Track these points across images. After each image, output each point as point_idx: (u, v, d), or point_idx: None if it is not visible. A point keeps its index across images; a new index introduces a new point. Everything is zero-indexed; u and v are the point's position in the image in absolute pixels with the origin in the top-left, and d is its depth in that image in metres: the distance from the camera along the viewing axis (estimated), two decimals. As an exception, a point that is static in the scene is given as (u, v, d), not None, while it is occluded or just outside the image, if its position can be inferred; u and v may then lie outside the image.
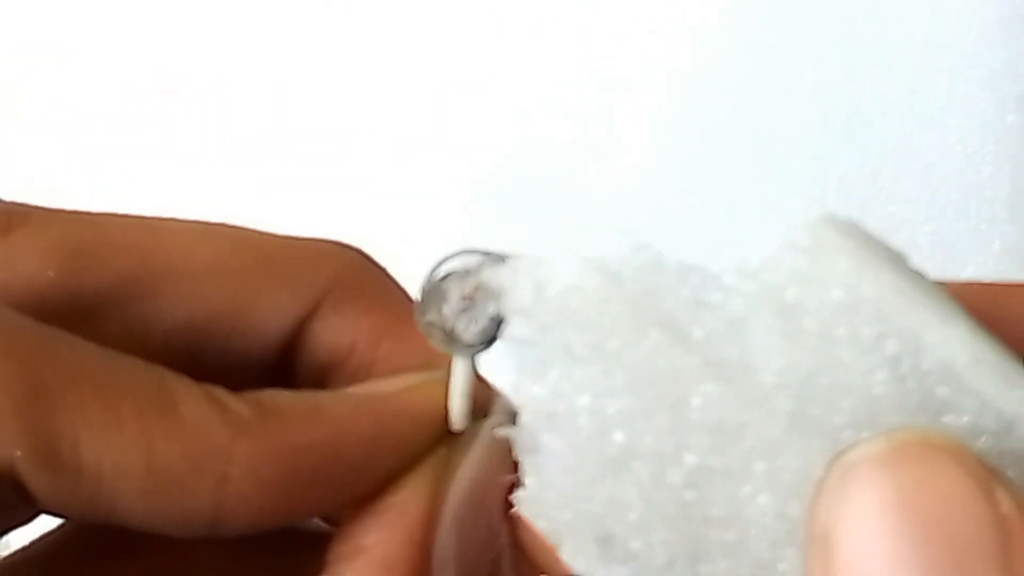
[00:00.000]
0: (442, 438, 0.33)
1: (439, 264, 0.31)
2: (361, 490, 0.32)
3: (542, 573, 0.33)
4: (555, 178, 0.72)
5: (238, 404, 0.30)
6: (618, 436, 0.28)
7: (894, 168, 0.73)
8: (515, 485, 0.32)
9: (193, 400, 0.30)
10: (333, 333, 0.34)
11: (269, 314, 0.34)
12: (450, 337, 0.31)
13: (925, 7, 0.72)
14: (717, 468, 0.28)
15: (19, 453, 0.29)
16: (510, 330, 0.29)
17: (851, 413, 0.27)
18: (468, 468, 0.32)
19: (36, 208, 0.33)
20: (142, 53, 0.77)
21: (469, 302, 0.31)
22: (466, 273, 0.30)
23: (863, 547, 0.25)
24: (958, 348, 0.26)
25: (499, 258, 0.30)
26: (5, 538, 0.33)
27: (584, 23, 0.75)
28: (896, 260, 0.27)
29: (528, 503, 0.30)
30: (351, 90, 0.75)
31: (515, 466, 0.32)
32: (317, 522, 0.37)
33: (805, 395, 0.27)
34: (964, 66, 0.72)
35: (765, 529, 0.27)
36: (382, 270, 0.35)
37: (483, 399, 0.33)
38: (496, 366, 0.33)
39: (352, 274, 0.35)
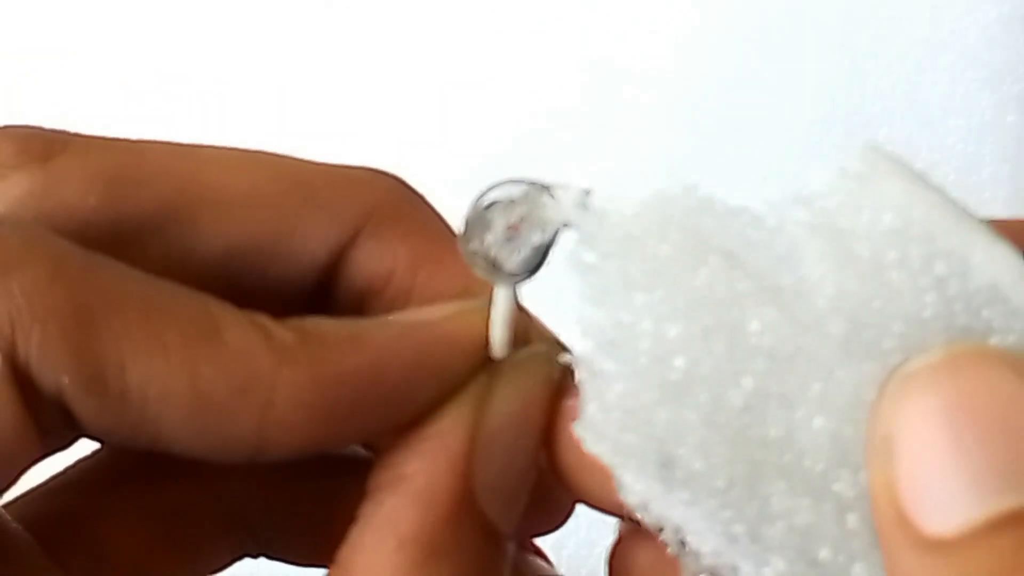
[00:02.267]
0: (483, 366, 0.33)
1: (484, 193, 0.31)
2: (402, 417, 0.32)
3: (581, 497, 0.33)
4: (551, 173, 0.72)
5: (282, 331, 0.30)
6: (678, 361, 0.28)
7: (894, 168, 0.73)
8: (555, 412, 0.32)
9: (237, 326, 0.30)
10: (372, 260, 0.34)
11: (308, 241, 0.34)
12: (493, 266, 0.31)
13: (925, 7, 0.73)
14: (774, 391, 0.28)
15: (66, 378, 0.29)
16: (576, 257, 0.30)
17: (901, 337, 0.27)
18: (509, 395, 0.32)
19: (76, 135, 0.33)
20: (142, 53, 0.77)
21: (513, 231, 0.30)
22: (511, 202, 0.30)
23: (925, 447, 0.25)
24: (1004, 267, 0.27)
25: (544, 187, 0.30)
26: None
27: (585, 22, 0.75)
28: (941, 191, 0.28)
29: (589, 427, 0.30)
30: (349, 87, 0.75)
31: (556, 393, 0.33)
32: (356, 449, 0.37)
33: (858, 319, 0.27)
34: (964, 66, 0.73)
35: (820, 451, 0.28)
36: (421, 198, 0.35)
37: (523, 328, 0.33)
38: (537, 297, 0.33)
39: (391, 201, 0.34)
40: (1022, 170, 0.73)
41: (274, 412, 0.30)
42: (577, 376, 0.30)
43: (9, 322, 0.28)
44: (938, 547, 0.25)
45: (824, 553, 0.28)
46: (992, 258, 0.27)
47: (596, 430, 0.30)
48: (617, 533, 0.35)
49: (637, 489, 0.30)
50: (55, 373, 0.29)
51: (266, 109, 0.75)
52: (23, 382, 0.29)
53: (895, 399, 0.26)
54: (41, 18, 0.78)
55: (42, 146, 0.32)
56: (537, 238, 0.31)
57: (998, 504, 0.24)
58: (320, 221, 0.34)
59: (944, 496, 0.25)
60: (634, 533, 0.34)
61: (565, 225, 0.30)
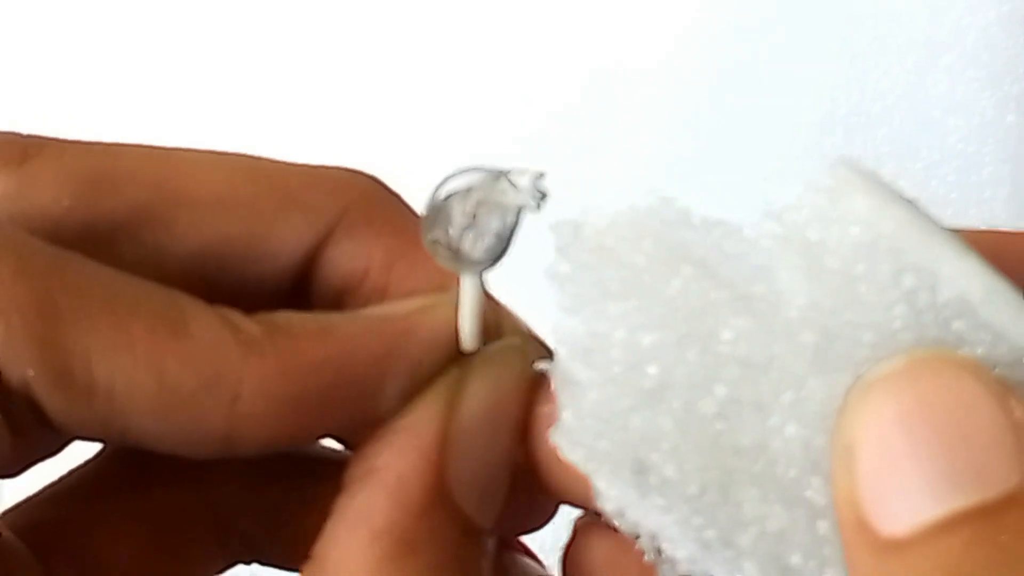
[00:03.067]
0: (454, 359, 0.32)
1: (442, 183, 0.31)
2: (373, 411, 0.32)
3: (558, 495, 0.33)
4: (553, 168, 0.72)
5: (249, 324, 0.30)
6: (652, 369, 0.29)
7: (894, 168, 0.73)
8: (531, 408, 0.32)
9: (204, 320, 0.30)
10: (347, 258, 0.34)
11: (283, 240, 0.34)
12: (455, 255, 0.31)
13: (925, 7, 0.73)
14: (746, 399, 0.28)
15: (32, 372, 0.29)
16: (552, 267, 0.30)
17: (872, 347, 0.27)
18: (481, 388, 0.32)
19: (51, 139, 0.33)
20: (122, 51, 0.77)
21: (473, 219, 0.30)
22: (468, 190, 0.30)
23: (884, 453, 0.25)
24: (972, 281, 0.27)
25: (500, 173, 0.30)
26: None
27: (584, 22, 0.75)
28: (911, 203, 0.28)
29: (564, 434, 0.30)
30: (346, 89, 0.75)
31: (531, 388, 0.32)
32: (346, 453, 0.37)
33: (829, 330, 0.27)
34: (964, 66, 0.73)
35: (792, 459, 0.28)
36: (396, 196, 0.35)
37: (494, 321, 0.33)
38: (509, 292, 0.34)
39: (366, 200, 0.34)
40: (1022, 170, 0.72)
41: (242, 404, 0.30)
42: (552, 384, 0.31)
43: None
44: (892, 548, 0.25)
45: (795, 559, 0.28)
46: (961, 272, 0.27)
47: (571, 437, 0.30)
48: (572, 529, 0.35)
49: (612, 495, 0.30)
50: (21, 367, 0.29)
51: (262, 113, 0.76)
52: None
53: (856, 407, 0.26)
54: (40, 15, 0.78)
55: (17, 150, 0.32)
56: (497, 224, 0.31)
57: (950, 504, 0.25)
58: (295, 221, 0.34)
59: (900, 498, 0.25)
60: (590, 528, 0.34)
61: (523, 209, 0.30)
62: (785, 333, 0.28)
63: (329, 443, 0.37)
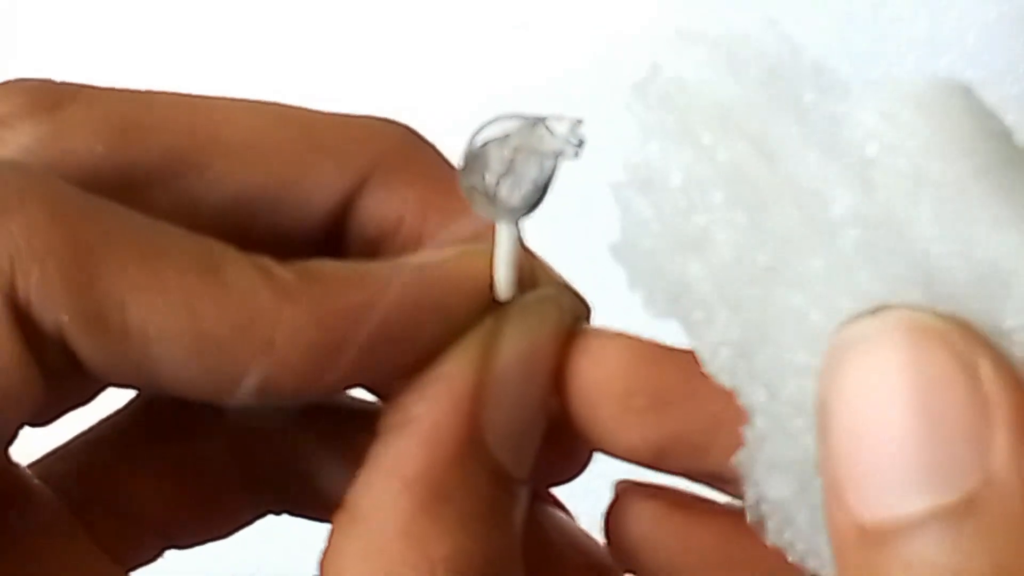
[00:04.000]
0: (489, 308, 0.32)
1: (479, 130, 0.31)
2: (407, 359, 0.32)
3: (592, 444, 0.33)
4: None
5: (283, 271, 0.30)
6: (699, 219, 0.29)
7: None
8: (565, 356, 0.33)
9: (238, 266, 0.30)
10: (381, 207, 0.34)
11: (316, 188, 0.34)
12: (492, 201, 0.31)
13: (925, 7, 0.73)
14: (781, 274, 0.28)
15: (66, 317, 0.29)
16: (628, 103, 0.29)
17: (905, 268, 0.27)
18: (516, 338, 0.32)
19: (84, 86, 0.33)
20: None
21: (510, 166, 0.31)
22: (506, 137, 0.30)
23: (855, 421, 0.25)
24: (1004, 250, 0.26)
25: (538, 120, 0.30)
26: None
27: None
28: (990, 140, 0.27)
29: (616, 251, 0.30)
30: (358, 32, 0.76)
31: (565, 338, 0.33)
32: (380, 405, 0.37)
33: (867, 240, 0.27)
34: (964, 66, 0.73)
35: (808, 340, 0.28)
36: (430, 146, 0.35)
37: (529, 271, 0.33)
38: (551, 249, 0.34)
39: (400, 149, 0.35)
40: (1022, 170, 0.73)
41: (275, 351, 0.30)
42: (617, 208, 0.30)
43: (8, 262, 0.28)
44: (867, 535, 0.25)
45: (799, 423, 0.29)
46: (995, 240, 0.26)
47: (621, 255, 0.30)
48: (615, 491, 0.34)
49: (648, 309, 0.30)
50: (55, 312, 0.29)
51: (294, 65, 0.76)
52: (23, 321, 0.29)
53: (831, 366, 0.26)
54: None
55: (51, 96, 0.33)
56: (534, 171, 0.31)
57: (918, 503, 0.24)
58: (328, 169, 0.34)
59: (870, 484, 0.25)
60: (631, 492, 0.34)
61: (560, 156, 0.30)
62: (825, 228, 0.28)
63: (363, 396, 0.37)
